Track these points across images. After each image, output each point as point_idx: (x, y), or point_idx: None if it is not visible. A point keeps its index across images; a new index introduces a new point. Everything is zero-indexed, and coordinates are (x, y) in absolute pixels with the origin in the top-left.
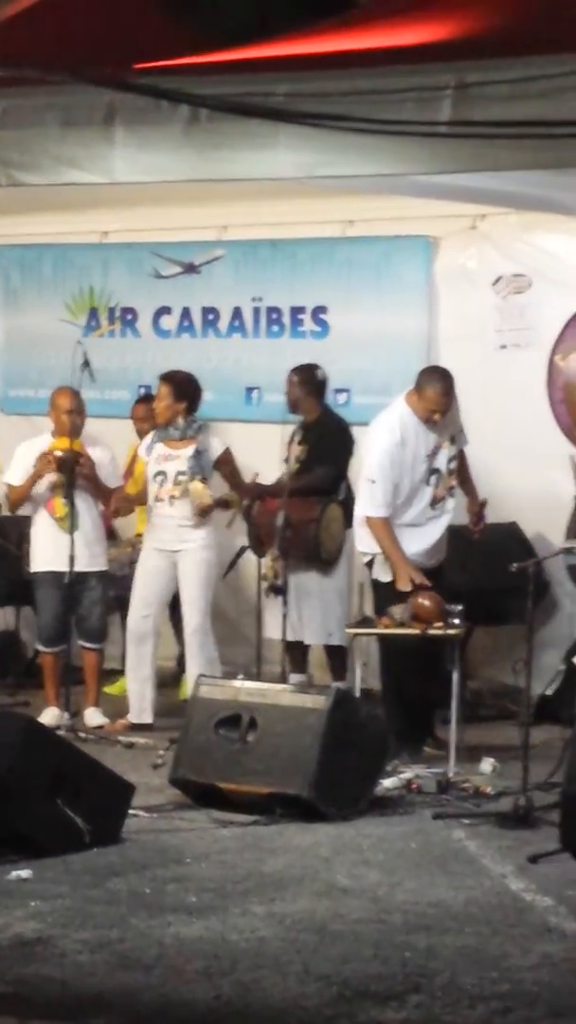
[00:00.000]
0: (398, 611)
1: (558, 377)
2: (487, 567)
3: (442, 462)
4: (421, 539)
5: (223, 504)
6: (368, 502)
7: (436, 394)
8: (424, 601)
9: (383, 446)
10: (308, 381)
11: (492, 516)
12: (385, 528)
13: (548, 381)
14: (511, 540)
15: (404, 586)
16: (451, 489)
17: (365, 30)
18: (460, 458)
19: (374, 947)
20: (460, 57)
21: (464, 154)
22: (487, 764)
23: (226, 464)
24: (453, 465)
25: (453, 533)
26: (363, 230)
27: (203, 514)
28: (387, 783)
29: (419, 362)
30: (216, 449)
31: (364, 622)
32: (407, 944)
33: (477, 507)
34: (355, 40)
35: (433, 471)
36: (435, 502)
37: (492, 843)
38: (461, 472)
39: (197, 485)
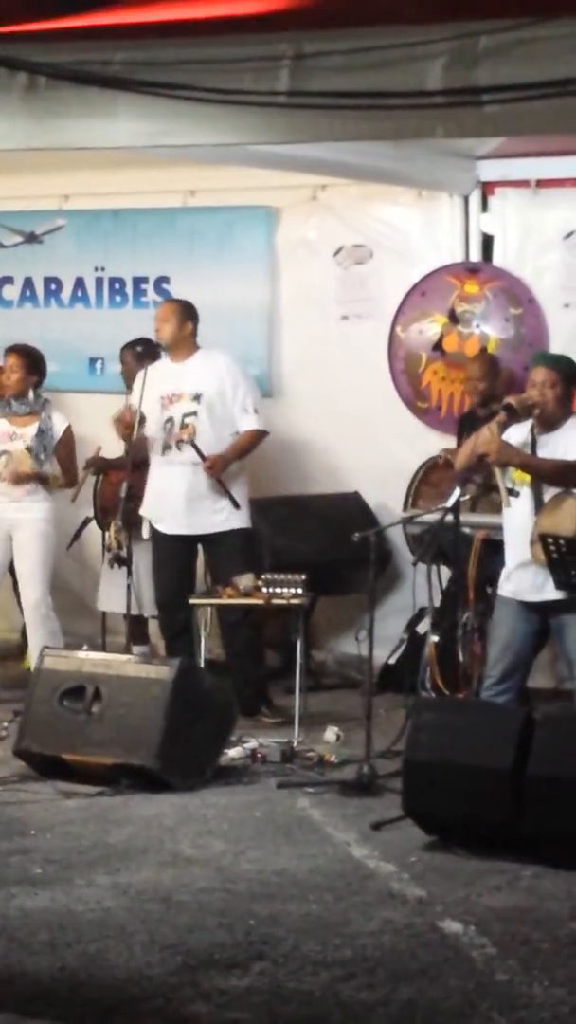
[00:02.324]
0: (242, 581)
1: (399, 348)
2: (330, 537)
3: (177, 412)
4: (155, 489)
5: (42, 479)
6: None
7: None
8: None
9: None
10: (148, 353)
11: (334, 486)
12: None
13: (389, 352)
14: (353, 510)
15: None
16: (180, 443)
17: None
18: (248, 438)
19: (218, 916)
20: (297, 27)
21: (302, 124)
22: (331, 733)
23: (64, 445)
24: (190, 420)
25: (292, 503)
26: (205, 200)
27: (18, 481)
28: (232, 753)
29: (261, 332)
30: (58, 429)
31: (208, 592)
32: (251, 912)
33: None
34: (193, 9)
35: (168, 418)
36: (165, 449)
37: (336, 811)
38: (233, 448)
39: (20, 452)
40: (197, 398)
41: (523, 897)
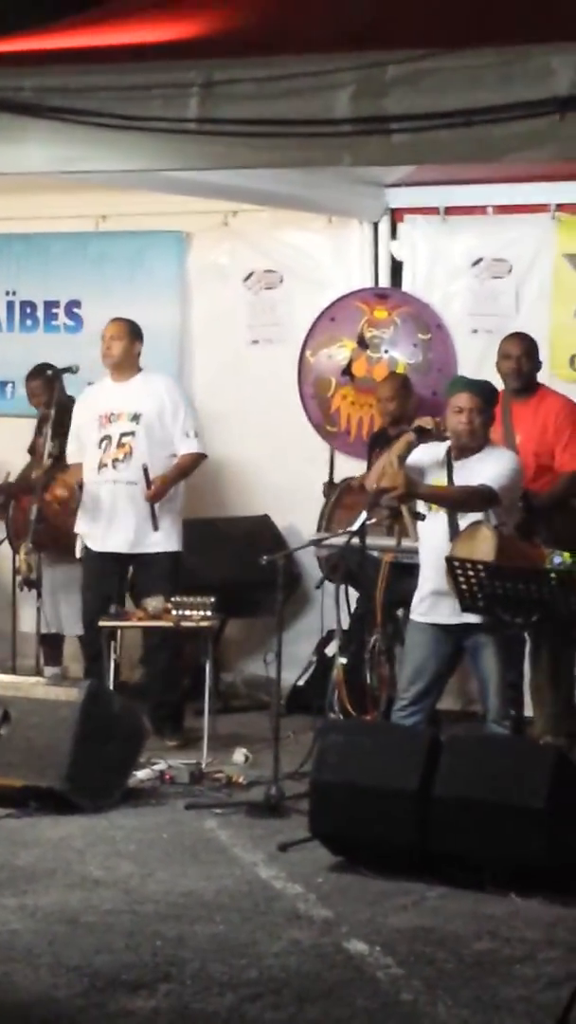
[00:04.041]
0: (151, 603)
1: (309, 373)
2: (239, 560)
3: (115, 431)
4: (92, 506)
5: None
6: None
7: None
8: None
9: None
10: (57, 375)
11: (244, 509)
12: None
13: (299, 376)
14: (263, 533)
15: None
16: (116, 462)
17: (113, 26)
18: (188, 461)
19: (125, 937)
20: (207, 55)
21: (212, 151)
22: (239, 754)
23: None
24: (127, 440)
25: (202, 525)
26: (116, 225)
27: None
28: (141, 774)
29: (172, 356)
30: None
31: (118, 614)
32: (158, 934)
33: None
34: (103, 36)
35: (105, 436)
36: (100, 467)
37: (243, 832)
38: (175, 470)
39: None
40: (136, 418)
41: (428, 917)
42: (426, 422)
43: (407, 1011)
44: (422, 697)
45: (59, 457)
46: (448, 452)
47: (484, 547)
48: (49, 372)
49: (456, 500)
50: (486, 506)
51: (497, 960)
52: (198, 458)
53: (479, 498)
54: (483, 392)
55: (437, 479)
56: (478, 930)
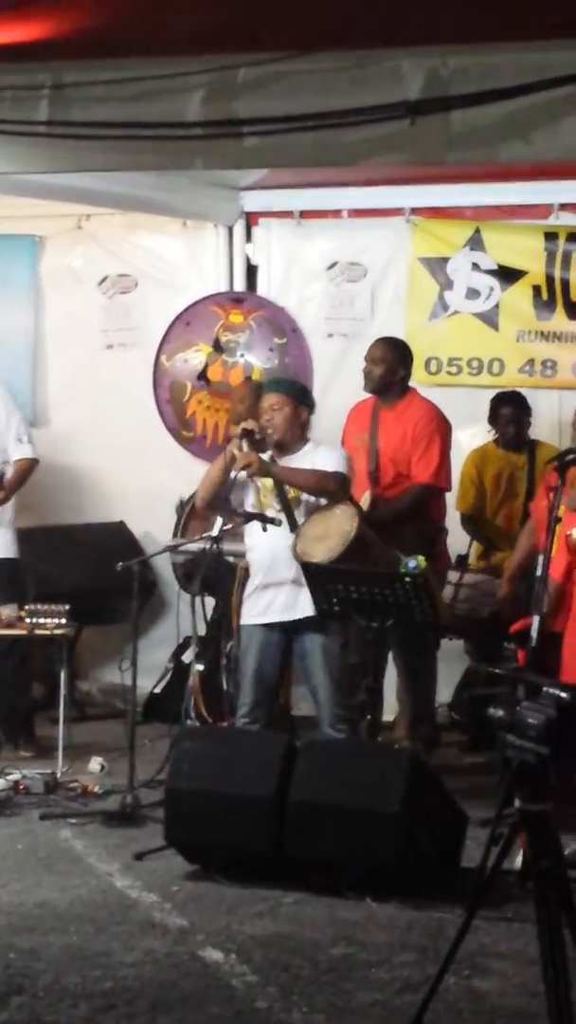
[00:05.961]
0: (4, 611)
1: (164, 377)
2: (95, 567)
3: None
4: None
5: None
6: None
7: None
8: None
9: None
10: None
11: (100, 515)
12: None
13: (154, 381)
14: (119, 539)
15: None
16: None
17: None
18: (25, 467)
19: None
20: (56, 57)
21: (63, 154)
22: (95, 763)
23: None
24: None
25: (57, 532)
26: None
27: None
28: None
29: (26, 361)
30: None
31: None
32: (11, 946)
33: None
34: None
35: None
36: None
37: (99, 842)
38: (15, 478)
39: None
40: None
41: (284, 924)
42: (250, 424)
43: (262, 1018)
44: (261, 702)
45: None
46: (271, 457)
47: (343, 519)
48: None
49: (308, 480)
50: (338, 492)
51: (352, 965)
52: (33, 463)
53: (334, 482)
54: (287, 389)
55: (263, 492)
56: (334, 935)
